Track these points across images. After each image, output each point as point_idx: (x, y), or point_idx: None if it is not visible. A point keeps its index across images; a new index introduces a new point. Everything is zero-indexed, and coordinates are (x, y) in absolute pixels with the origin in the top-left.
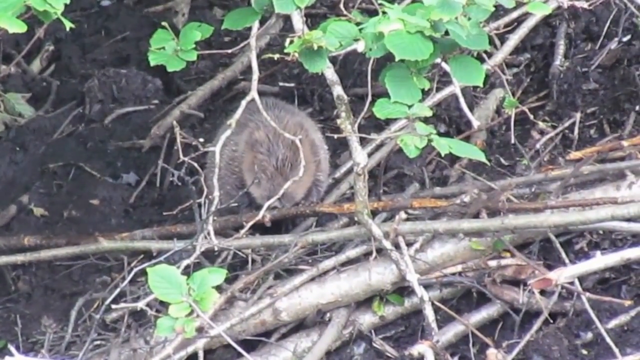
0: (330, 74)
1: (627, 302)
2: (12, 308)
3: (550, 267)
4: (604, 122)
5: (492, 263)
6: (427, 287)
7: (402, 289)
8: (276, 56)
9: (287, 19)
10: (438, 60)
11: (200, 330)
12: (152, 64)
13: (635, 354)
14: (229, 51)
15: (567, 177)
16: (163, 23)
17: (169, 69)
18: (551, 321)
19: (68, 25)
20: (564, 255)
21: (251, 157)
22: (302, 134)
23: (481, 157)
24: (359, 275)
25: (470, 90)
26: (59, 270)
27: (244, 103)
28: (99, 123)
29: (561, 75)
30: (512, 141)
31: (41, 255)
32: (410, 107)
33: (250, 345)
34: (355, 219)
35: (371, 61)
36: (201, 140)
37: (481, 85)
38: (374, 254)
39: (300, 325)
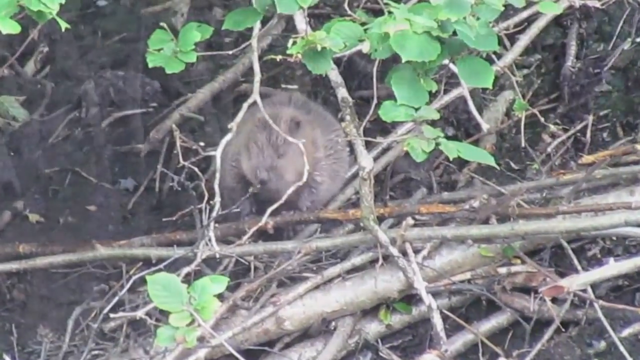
0: (335, 75)
1: None
2: (7, 317)
3: (562, 274)
4: (617, 125)
5: (502, 270)
6: (435, 295)
7: (410, 297)
8: (279, 58)
9: (289, 19)
10: (446, 61)
11: (201, 339)
12: (150, 65)
13: None
14: (230, 52)
15: (579, 182)
16: (161, 23)
17: (168, 71)
18: (563, 330)
19: (63, 25)
20: (576, 262)
21: (247, 133)
22: (306, 129)
23: (490, 161)
24: (365, 283)
25: (479, 92)
26: (55, 279)
27: (245, 106)
28: (95, 127)
29: (573, 76)
30: (523, 145)
31: (37, 263)
32: (417, 109)
33: (253, 355)
34: (361, 225)
35: (377, 62)
36: (202, 144)
37: (490, 87)
38: (381, 261)
39: (304, 335)
